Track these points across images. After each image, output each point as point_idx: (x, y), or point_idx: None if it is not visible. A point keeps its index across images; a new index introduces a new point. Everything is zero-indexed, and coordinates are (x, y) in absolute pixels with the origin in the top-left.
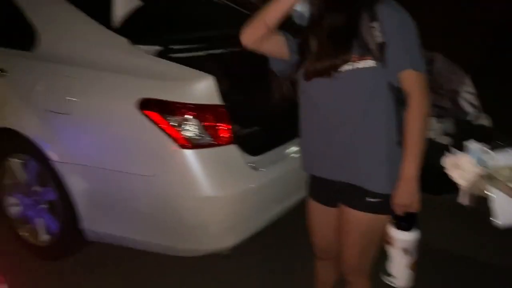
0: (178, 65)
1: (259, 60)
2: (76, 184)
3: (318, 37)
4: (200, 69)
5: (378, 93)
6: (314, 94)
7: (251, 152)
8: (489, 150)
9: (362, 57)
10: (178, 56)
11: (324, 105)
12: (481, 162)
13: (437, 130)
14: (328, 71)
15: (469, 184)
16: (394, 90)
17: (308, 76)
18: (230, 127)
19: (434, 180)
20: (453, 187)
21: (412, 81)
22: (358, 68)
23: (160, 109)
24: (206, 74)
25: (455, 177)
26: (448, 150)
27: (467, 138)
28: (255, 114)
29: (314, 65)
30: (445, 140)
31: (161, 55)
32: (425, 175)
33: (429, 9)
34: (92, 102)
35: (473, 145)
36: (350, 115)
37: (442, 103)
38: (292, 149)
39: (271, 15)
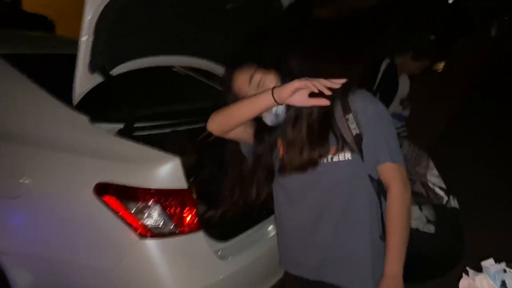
0: (141, 145)
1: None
2: (20, 278)
3: (294, 133)
4: (166, 148)
5: (358, 186)
6: (290, 188)
7: (220, 237)
8: (509, 269)
9: (339, 150)
10: (142, 135)
11: (302, 200)
12: (503, 285)
13: (420, 218)
14: (306, 166)
15: None
16: (375, 182)
17: (284, 170)
18: (196, 212)
19: (419, 268)
20: (436, 272)
21: (391, 173)
22: (335, 161)
23: (119, 194)
24: (171, 156)
25: None
26: (434, 239)
27: (449, 224)
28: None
29: (290, 160)
30: (429, 228)
31: (123, 134)
32: (411, 265)
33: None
34: (44, 186)
35: (492, 266)
36: (330, 211)
37: (415, 189)
38: (265, 231)
39: (244, 113)
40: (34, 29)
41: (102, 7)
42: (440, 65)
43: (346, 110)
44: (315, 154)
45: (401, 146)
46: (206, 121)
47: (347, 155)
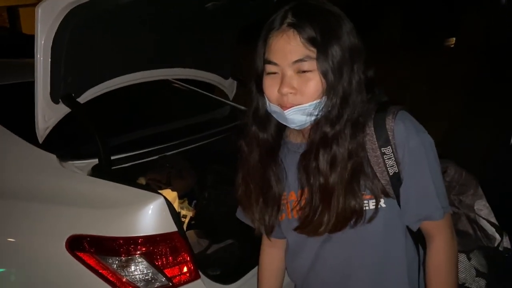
0: (117, 185)
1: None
2: None
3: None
4: (155, 178)
5: (393, 239)
6: (311, 244)
7: (223, 280)
8: None
9: (371, 196)
10: (124, 167)
11: (327, 258)
12: None
13: (468, 270)
14: (342, 225)
15: None
16: (414, 233)
17: (304, 232)
18: (192, 258)
19: None
20: None
21: (438, 225)
22: (367, 210)
23: (96, 248)
24: (154, 195)
25: None
26: None
27: (503, 275)
28: (228, 223)
29: (317, 221)
30: (479, 285)
31: (97, 171)
32: None
33: None
34: (6, 241)
35: None
36: (363, 267)
37: (460, 227)
38: None
39: None
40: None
41: (56, 28)
42: (452, 40)
43: (383, 140)
44: (352, 206)
45: (445, 171)
46: (201, 138)
47: (381, 202)
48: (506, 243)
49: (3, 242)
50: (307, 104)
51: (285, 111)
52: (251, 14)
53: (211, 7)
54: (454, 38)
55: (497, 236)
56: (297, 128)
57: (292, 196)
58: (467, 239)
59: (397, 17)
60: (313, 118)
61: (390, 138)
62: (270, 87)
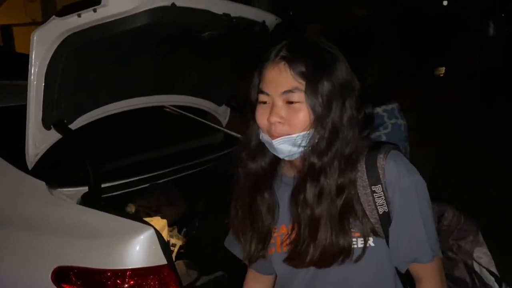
0: (107, 215)
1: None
2: None
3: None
4: (146, 205)
5: (383, 279)
6: (299, 282)
7: None
8: None
9: (359, 234)
10: (114, 195)
11: None
12: None
13: None
14: (329, 261)
15: None
16: (403, 275)
17: (293, 264)
18: None
19: None
20: None
21: (427, 266)
22: (355, 248)
23: (83, 281)
24: (144, 226)
25: None
26: None
27: None
28: (218, 253)
29: (304, 251)
30: None
31: (87, 199)
32: None
33: None
34: None
35: None
36: None
37: (456, 274)
38: None
39: None
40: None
41: (51, 54)
42: (442, 70)
43: (374, 179)
44: (340, 243)
45: (443, 215)
46: (194, 165)
47: (370, 241)
48: None
49: None
50: (295, 135)
51: (273, 141)
52: (246, 43)
53: (207, 37)
54: (444, 68)
55: (496, 286)
56: (286, 158)
57: (283, 229)
58: (462, 286)
59: (390, 46)
60: (300, 149)
61: (380, 176)
62: (261, 115)
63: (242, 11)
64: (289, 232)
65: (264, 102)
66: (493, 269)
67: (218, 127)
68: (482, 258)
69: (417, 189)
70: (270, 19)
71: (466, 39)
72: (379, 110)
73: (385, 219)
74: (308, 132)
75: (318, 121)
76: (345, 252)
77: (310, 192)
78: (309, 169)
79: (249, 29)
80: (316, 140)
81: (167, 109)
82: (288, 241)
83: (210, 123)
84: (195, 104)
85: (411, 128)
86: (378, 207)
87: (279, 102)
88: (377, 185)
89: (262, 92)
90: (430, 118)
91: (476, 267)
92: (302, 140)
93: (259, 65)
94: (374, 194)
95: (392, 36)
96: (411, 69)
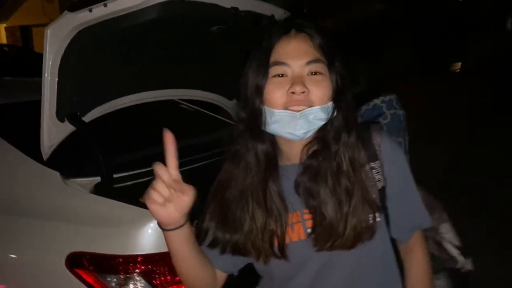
0: (118, 203)
1: None
2: None
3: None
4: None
5: (388, 255)
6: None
7: None
8: None
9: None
10: (126, 185)
11: (321, 278)
12: None
13: None
14: (356, 240)
15: None
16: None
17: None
18: None
19: None
20: None
21: (418, 236)
22: (371, 223)
23: (95, 266)
24: None
25: None
26: None
27: None
28: None
29: (335, 233)
30: None
31: (99, 189)
32: None
33: None
34: (8, 257)
35: None
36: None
37: (428, 249)
38: None
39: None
40: None
41: (64, 48)
42: (458, 65)
43: (372, 155)
44: (367, 218)
45: None
46: (205, 157)
47: (377, 215)
48: (468, 265)
49: (4, 257)
50: (318, 107)
51: (297, 113)
52: (256, 37)
53: (216, 31)
54: (460, 63)
55: (461, 258)
56: (297, 139)
57: (297, 217)
58: (433, 261)
59: (405, 42)
60: (319, 124)
61: (377, 153)
62: (277, 89)
63: (250, 4)
64: (308, 217)
65: (281, 75)
66: (457, 243)
67: (230, 121)
68: (447, 234)
69: (406, 160)
70: (278, 13)
71: (483, 34)
72: (377, 101)
73: (383, 194)
74: (329, 104)
75: (338, 94)
76: (372, 228)
77: (330, 169)
78: (324, 145)
79: (258, 22)
80: (335, 114)
81: (183, 105)
82: (311, 225)
83: (222, 118)
84: (205, 98)
85: (423, 124)
86: (376, 182)
87: (303, 72)
88: (375, 161)
89: (278, 63)
90: (444, 114)
91: (443, 242)
92: (325, 113)
93: (263, 44)
94: (373, 170)
95: (404, 32)
96: (425, 65)
